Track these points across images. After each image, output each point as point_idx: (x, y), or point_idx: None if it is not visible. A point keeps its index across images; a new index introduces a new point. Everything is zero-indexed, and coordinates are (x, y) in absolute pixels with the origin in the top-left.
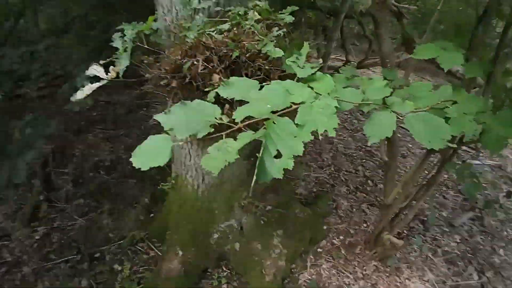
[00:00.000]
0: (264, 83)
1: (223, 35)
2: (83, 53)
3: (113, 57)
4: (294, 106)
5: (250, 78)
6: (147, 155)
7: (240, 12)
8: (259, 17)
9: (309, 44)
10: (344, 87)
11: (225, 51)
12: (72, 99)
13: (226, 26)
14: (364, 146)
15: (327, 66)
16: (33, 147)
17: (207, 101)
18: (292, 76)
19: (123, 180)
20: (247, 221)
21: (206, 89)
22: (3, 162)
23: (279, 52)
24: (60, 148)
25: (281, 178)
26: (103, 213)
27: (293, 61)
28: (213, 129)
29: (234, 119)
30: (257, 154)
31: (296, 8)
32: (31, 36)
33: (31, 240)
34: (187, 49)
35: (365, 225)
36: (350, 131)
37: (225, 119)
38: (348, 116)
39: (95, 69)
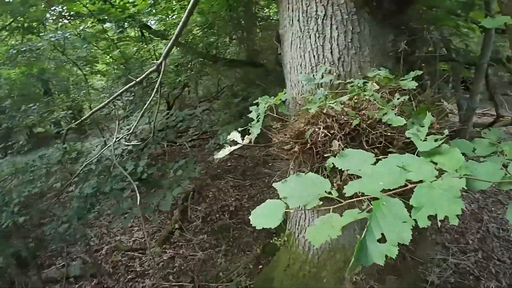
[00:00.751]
0: (380, 156)
1: (343, 105)
2: (227, 117)
3: (248, 125)
4: (410, 186)
5: (370, 145)
6: (263, 216)
7: (359, 84)
8: (377, 87)
9: (443, 102)
10: (486, 156)
11: (345, 119)
12: (215, 157)
13: (345, 99)
14: None
15: (472, 124)
16: (180, 185)
17: (326, 166)
18: None
19: (242, 227)
20: None
21: (326, 155)
22: (157, 192)
23: (400, 121)
24: (198, 189)
25: (383, 264)
26: (219, 253)
27: (413, 133)
28: (321, 202)
29: (344, 193)
30: (358, 236)
31: (420, 72)
32: (191, 102)
33: (159, 259)
34: (310, 118)
35: None
36: (506, 206)
37: (335, 194)
38: None
39: (234, 135)
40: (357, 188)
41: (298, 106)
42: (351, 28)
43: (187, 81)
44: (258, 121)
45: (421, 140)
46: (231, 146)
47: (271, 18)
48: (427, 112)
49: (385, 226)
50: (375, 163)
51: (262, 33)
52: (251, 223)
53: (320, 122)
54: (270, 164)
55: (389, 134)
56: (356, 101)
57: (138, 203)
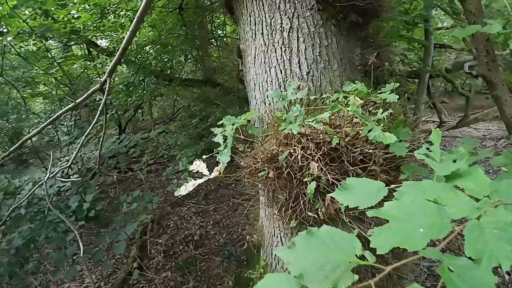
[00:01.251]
0: (393, 186)
1: (321, 122)
2: (186, 139)
3: (214, 152)
4: (457, 228)
5: (352, 165)
6: None
7: (339, 99)
8: (361, 101)
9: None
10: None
11: (321, 137)
12: (176, 193)
13: (326, 116)
14: None
15: (419, 132)
16: (136, 220)
17: (307, 192)
18: (400, 159)
19: (210, 257)
20: None
21: (305, 179)
22: (108, 231)
23: (390, 138)
24: (158, 219)
25: None
26: None
27: (425, 154)
28: (357, 277)
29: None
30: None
31: (398, 84)
32: (146, 124)
33: None
34: (282, 138)
35: None
36: None
37: (371, 258)
38: None
39: (198, 165)
40: (390, 240)
41: (268, 126)
42: (319, 41)
43: (140, 102)
44: (226, 146)
45: (437, 161)
46: (195, 179)
47: (228, 36)
48: (405, 125)
49: None
50: (388, 195)
51: (219, 51)
52: None
53: (295, 142)
54: (233, 185)
55: (370, 151)
56: (332, 117)
57: (81, 254)
